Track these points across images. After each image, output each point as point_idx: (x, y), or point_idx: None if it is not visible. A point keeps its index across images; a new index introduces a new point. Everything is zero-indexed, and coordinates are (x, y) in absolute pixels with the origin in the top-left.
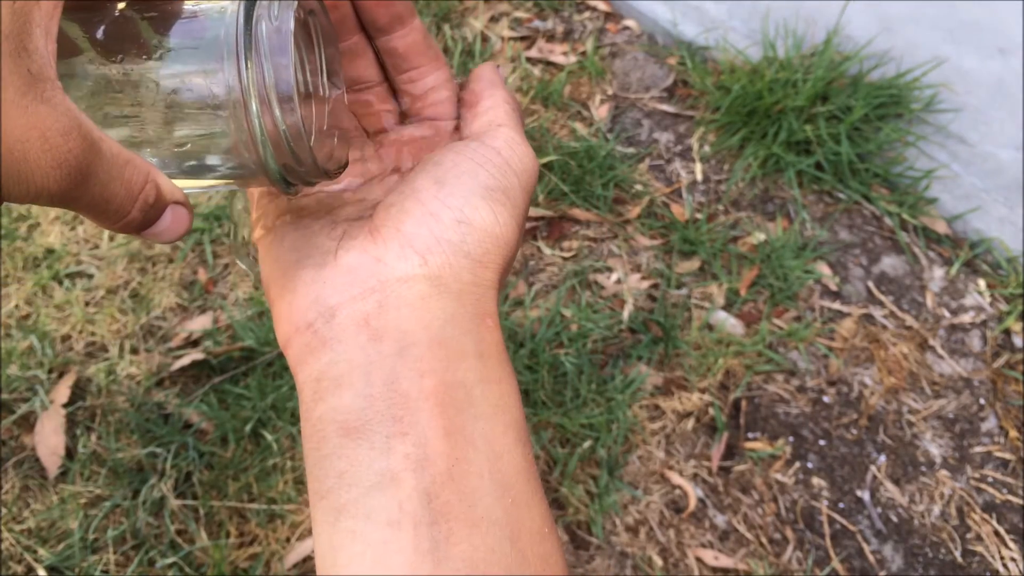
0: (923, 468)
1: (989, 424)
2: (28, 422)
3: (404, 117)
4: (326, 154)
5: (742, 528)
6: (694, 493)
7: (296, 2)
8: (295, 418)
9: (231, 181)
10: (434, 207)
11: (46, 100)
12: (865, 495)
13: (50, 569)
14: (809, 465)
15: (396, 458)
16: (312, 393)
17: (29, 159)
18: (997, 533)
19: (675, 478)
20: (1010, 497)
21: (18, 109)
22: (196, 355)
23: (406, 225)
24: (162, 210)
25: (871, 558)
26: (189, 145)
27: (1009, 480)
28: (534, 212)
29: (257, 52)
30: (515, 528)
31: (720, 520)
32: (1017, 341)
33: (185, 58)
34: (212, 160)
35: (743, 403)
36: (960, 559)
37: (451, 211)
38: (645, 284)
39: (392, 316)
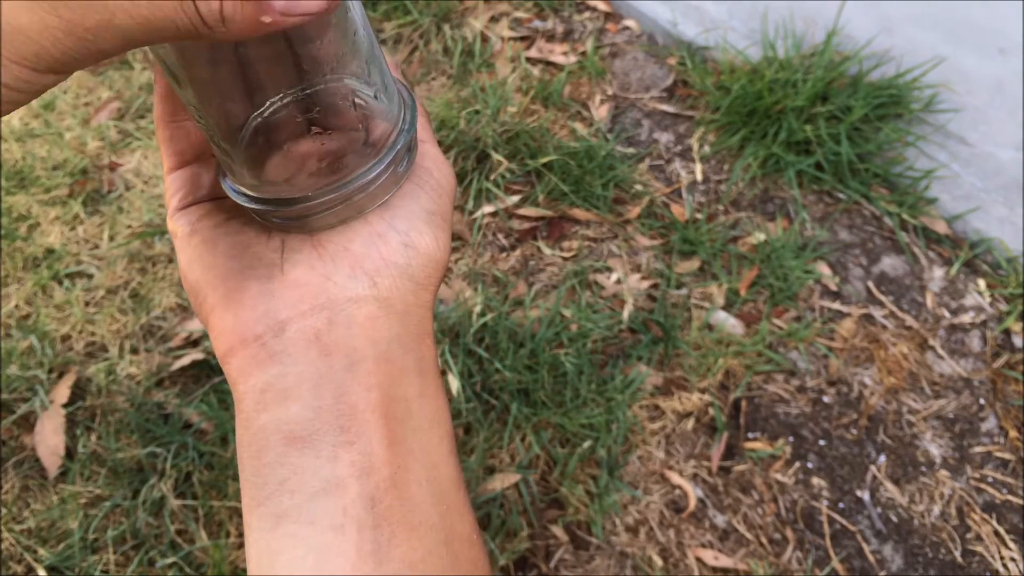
0: (923, 468)
1: (989, 424)
2: (28, 422)
3: (310, 125)
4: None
5: (742, 528)
6: (694, 493)
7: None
8: None
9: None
10: (381, 228)
11: None
12: (865, 495)
13: (50, 569)
14: (809, 465)
15: (342, 465)
16: (254, 403)
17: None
18: (997, 533)
19: (675, 478)
20: (1010, 497)
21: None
22: (196, 355)
23: (354, 245)
24: None
25: (871, 558)
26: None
27: (1009, 480)
28: (534, 212)
29: (386, 173)
30: (449, 533)
31: (720, 520)
32: (1017, 341)
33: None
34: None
35: (743, 403)
36: (960, 559)
37: (398, 234)
38: (645, 284)
39: (342, 333)
